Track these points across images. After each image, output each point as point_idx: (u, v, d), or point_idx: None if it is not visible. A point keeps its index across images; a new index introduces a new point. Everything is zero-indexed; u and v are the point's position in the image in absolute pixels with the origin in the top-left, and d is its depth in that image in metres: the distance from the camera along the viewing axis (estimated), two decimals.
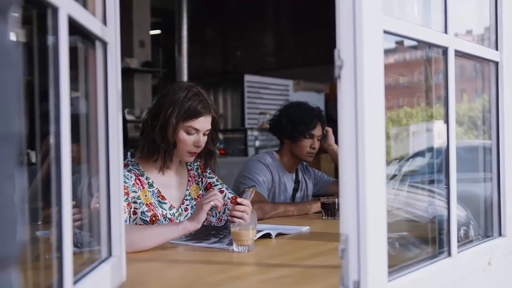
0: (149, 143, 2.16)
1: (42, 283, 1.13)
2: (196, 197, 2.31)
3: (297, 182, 3.08)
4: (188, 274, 1.61)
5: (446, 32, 1.48)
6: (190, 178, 2.33)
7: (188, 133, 2.14)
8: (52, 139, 0.98)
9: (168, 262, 1.75)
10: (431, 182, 1.88)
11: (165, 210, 2.17)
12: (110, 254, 1.34)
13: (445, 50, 1.48)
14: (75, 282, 1.07)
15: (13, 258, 0.56)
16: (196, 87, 2.21)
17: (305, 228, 2.30)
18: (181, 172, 2.32)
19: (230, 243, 1.86)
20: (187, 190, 2.29)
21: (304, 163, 3.13)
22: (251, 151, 7.05)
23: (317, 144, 2.96)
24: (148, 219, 2.11)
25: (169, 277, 1.57)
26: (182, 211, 2.24)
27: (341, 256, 1.16)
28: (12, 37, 0.57)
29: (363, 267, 1.14)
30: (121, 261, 1.38)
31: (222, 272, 1.60)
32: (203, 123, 2.16)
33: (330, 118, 3.14)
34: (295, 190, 3.07)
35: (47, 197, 1.04)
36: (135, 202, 2.08)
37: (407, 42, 1.50)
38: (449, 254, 1.48)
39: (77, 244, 1.25)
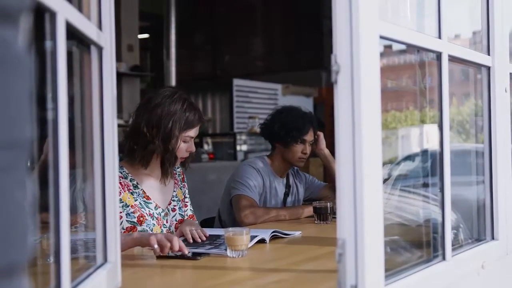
0: (148, 153, 2.20)
1: None
2: (181, 199, 2.39)
3: (288, 186, 3.08)
4: (183, 280, 1.61)
5: (439, 37, 1.49)
6: (176, 181, 2.40)
7: (185, 142, 2.24)
8: (49, 144, 0.98)
9: (163, 268, 1.74)
10: (423, 186, 1.89)
11: (151, 209, 2.22)
12: (105, 260, 1.33)
13: (439, 55, 1.49)
14: None
15: (24, 265, 0.56)
16: (186, 95, 2.29)
17: (297, 233, 2.30)
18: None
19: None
20: (174, 191, 2.36)
21: (295, 167, 3.13)
22: (240, 155, 7.04)
23: (308, 150, 2.96)
24: (135, 220, 2.16)
25: (164, 283, 1.56)
26: (169, 211, 2.31)
27: (338, 261, 1.16)
28: (23, 43, 0.57)
29: (360, 272, 1.14)
30: (116, 267, 1.37)
31: (217, 277, 1.60)
32: (197, 130, 2.28)
33: (319, 122, 3.13)
34: (286, 194, 3.07)
35: (40, 202, 1.03)
36: None
37: (395, 46, 1.51)
38: (444, 258, 1.49)
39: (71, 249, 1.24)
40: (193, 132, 2.25)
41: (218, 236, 2.14)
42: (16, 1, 0.56)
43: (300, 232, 2.31)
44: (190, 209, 2.45)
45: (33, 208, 0.59)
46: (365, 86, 1.14)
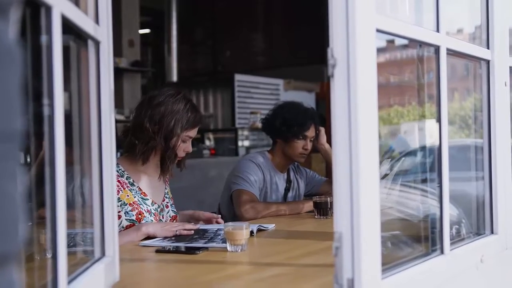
0: (149, 149, 2.22)
1: (36, 283, 1.12)
2: (171, 197, 2.44)
3: (288, 181, 3.08)
4: (181, 274, 1.61)
5: (438, 30, 1.49)
6: (166, 179, 2.43)
7: (184, 141, 2.27)
8: (46, 140, 0.98)
9: (161, 262, 1.75)
10: (423, 181, 1.88)
11: (149, 206, 2.25)
12: (103, 254, 1.34)
13: (437, 49, 1.49)
14: (69, 282, 1.06)
15: (15, 256, 0.57)
16: (189, 96, 2.33)
17: (271, 226, 2.31)
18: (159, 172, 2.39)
19: (224, 241, 1.85)
20: (166, 189, 2.41)
21: (296, 162, 3.13)
22: (241, 151, 7.03)
23: (309, 145, 2.95)
24: (134, 217, 2.18)
25: (162, 277, 1.56)
26: (163, 207, 2.35)
27: (335, 254, 1.16)
28: (13, 36, 0.57)
29: (357, 265, 1.14)
30: (114, 261, 1.37)
31: (216, 271, 1.60)
32: (196, 131, 2.32)
33: (321, 117, 3.13)
34: (287, 189, 3.07)
35: (38, 198, 1.03)
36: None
37: (397, 41, 1.51)
38: (442, 252, 1.49)
39: (69, 244, 1.24)
40: (192, 133, 2.28)
41: (206, 231, 2.15)
42: None
43: (274, 225, 2.32)
44: (173, 210, 2.44)
45: (24, 199, 0.59)
46: (361, 80, 1.14)
